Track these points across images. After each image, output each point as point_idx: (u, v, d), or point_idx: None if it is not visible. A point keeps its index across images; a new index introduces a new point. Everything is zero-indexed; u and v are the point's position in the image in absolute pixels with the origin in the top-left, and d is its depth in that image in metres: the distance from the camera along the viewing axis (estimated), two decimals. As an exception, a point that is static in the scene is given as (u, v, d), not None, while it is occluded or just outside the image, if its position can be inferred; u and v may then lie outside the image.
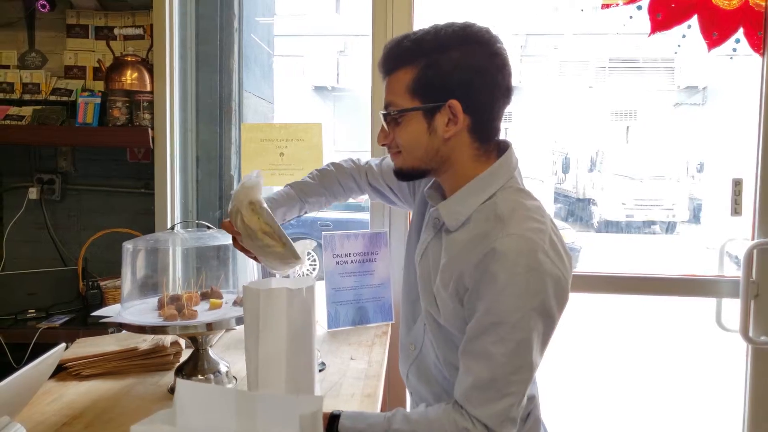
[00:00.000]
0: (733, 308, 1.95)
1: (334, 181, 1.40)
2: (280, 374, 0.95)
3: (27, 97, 2.02)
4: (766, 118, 1.78)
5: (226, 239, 1.23)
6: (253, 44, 2.36)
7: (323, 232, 1.68)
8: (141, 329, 1.13)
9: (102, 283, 2.02)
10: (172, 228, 1.24)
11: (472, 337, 0.95)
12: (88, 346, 1.41)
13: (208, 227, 1.26)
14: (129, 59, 1.89)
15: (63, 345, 0.94)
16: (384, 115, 1.04)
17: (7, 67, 2.09)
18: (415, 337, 1.17)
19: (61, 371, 1.30)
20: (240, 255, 1.29)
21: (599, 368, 4.21)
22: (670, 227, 9.57)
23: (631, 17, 1.74)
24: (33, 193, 2.14)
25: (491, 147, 1.06)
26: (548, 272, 0.93)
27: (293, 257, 1.12)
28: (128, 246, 1.19)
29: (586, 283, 1.88)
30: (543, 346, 0.98)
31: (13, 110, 1.96)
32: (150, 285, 1.23)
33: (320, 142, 1.92)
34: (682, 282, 1.95)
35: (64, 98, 2.01)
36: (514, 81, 1.09)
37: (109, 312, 1.18)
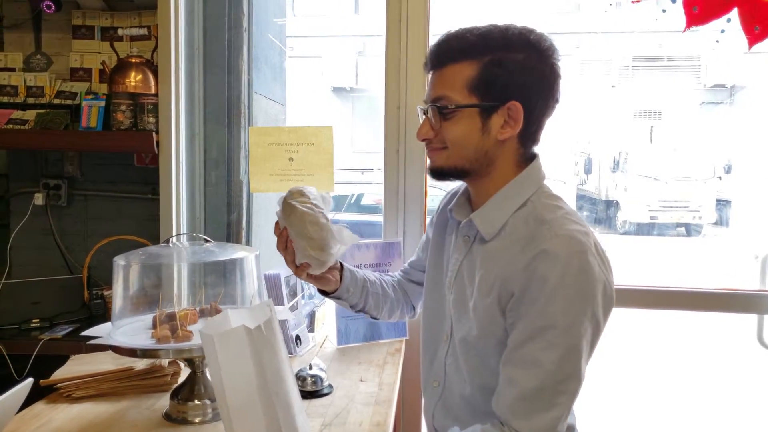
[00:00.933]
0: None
1: (373, 274, 1.33)
2: (259, 424, 0.85)
3: (31, 100, 1.96)
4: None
5: (225, 254, 1.15)
6: (264, 45, 2.27)
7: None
8: (132, 352, 1.04)
9: (106, 293, 1.95)
10: (167, 241, 1.16)
11: (518, 345, 0.91)
12: (83, 364, 1.34)
13: (206, 240, 1.18)
14: (133, 60, 1.82)
15: (30, 380, 0.86)
16: (437, 108, 0.99)
17: (13, 69, 2.04)
18: (437, 373, 1.10)
19: (53, 392, 1.23)
20: (244, 268, 1.20)
21: (633, 387, 3.99)
22: (696, 229, 9.33)
23: (664, 11, 1.61)
24: (39, 199, 2.08)
25: (528, 155, 1.04)
26: (597, 276, 0.90)
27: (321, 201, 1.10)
28: (120, 261, 1.10)
29: (617, 297, 1.75)
30: (589, 357, 0.92)
31: (17, 114, 1.90)
32: (144, 302, 1.15)
33: (331, 146, 1.82)
34: (721, 297, 1.82)
35: (69, 101, 1.94)
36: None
37: (99, 332, 1.10)
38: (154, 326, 1.14)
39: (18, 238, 2.11)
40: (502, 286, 0.94)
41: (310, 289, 1.67)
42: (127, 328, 1.13)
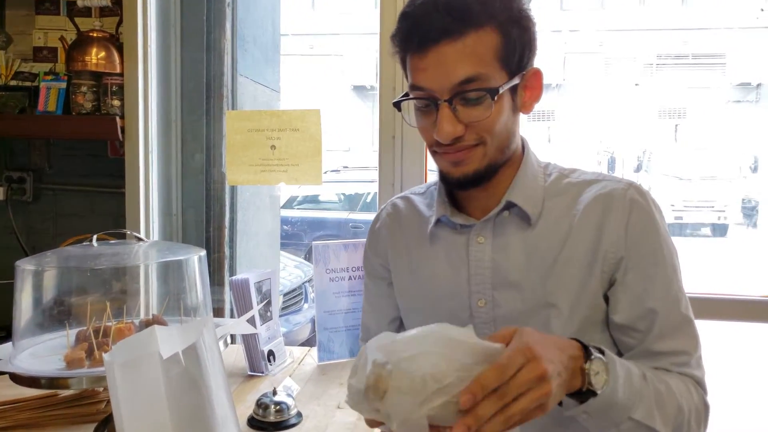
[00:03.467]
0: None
1: None
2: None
3: (-14, 82, 1.77)
4: None
5: (158, 256, 0.92)
6: (252, 23, 2.05)
7: (314, 242, 1.36)
8: (33, 382, 0.82)
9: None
10: (90, 240, 0.94)
11: (668, 313, 0.82)
12: (8, 387, 1.12)
13: (139, 239, 0.96)
14: (94, 35, 1.61)
15: None
16: (468, 94, 0.76)
17: (-28, 50, 1.84)
18: None
19: (-37, 421, 1.01)
20: (189, 272, 0.98)
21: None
22: (722, 230, 9.00)
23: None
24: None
25: None
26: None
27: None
28: (25, 266, 0.89)
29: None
30: None
31: (-31, 98, 1.71)
32: (63, 316, 0.93)
33: (319, 132, 1.60)
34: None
35: (28, 83, 1.74)
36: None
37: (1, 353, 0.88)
38: (77, 344, 0.92)
39: (-21, 237, 1.92)
40: (605, 258, 0.82)
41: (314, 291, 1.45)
42: (40, 348, 0.92)
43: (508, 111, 0.80)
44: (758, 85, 11.47)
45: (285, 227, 5.44)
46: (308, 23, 11.40)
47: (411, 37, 0.78)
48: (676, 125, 12.32)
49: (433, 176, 1.56)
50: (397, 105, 0.84)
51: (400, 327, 1.00)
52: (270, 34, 2.22)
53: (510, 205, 0.85)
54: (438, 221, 0.89)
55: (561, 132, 11.64)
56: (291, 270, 3.17)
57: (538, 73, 0.83)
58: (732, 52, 11.36)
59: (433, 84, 0.77)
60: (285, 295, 2.92)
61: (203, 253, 0.96)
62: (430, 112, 0.80)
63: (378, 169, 1.60)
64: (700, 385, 0.82)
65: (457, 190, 0.87)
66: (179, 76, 1.81)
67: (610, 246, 0.82)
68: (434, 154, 0.84)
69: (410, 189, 1.03)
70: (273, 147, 1.62)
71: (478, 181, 0.82)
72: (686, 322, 0.83)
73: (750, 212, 9.16)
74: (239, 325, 1.03)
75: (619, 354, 0.86)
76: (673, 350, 0.81)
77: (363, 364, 0.60)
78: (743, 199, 9.21)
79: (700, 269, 6.48)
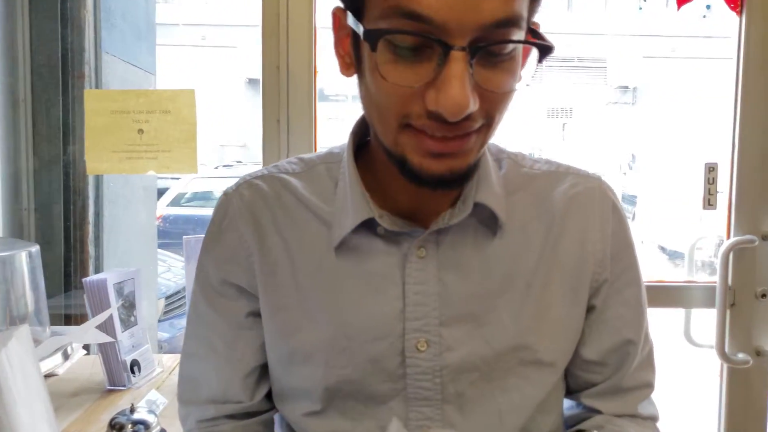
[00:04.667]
0: (703, 319, 1.65)
1: None
2: None
3: None
4: (744, 88, 1.43)
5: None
6: (121, -5, 1.84)
7: (184, 237, 1.22)
8: None
9: None
10: None
11: (642, 342, 0.69)
12: None
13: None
14: None
15: None
16: (512, 44, 0.51)
17: None
18: None
19: None
20: (15, 273, 0.81)
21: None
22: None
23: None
24: None
25: None
26: None
27: None
28: None
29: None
30: None
31: None
32: None
33: (193, 114, 1.44)
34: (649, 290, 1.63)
35: None
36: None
37: None
38: None
39: None
40: (591, 281, 0.65)
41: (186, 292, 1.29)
42: None
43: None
44: (634, 88, 12.41)
45: (171, 225, 5.12)
46: (200, 13, 10.91)
47: None
48: (564, 124, 13.06)
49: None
50: (373, 40, 0.49)
51: (260, 380, 0.68)
52: (143, 8, 2.02)
53: (477, 208, 0.61)
54: (373, 226, 0.61)
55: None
56: (177, 271, 2.96)
57: (537, 28, 0.58)
58: (611, 56, 12.23)
59: (448, 15, 0.47)
60: (169, 297, 2.72)
61: (35, 248, 0.79)
62: (422, 62, 0.49)
63: (262, 157, 1.48)
64: (655, 421, 0.72)
65: (428, 188, 0.56)
66: (28, 48, 1.58)
67: (596, 267, 0.64)
68: (405, 129, 0.53)
69: (272, 165, 0.70)
70: (140, 131, 1.44)
71: (464, 180, 0.57)
72: (653, 349, 0.71)
73: (629, 205, 9.91)
74: (86, 333, 0.87)
75: (569, 390, 0.71)
76: (641, 384, 0.69)
77: None
78: (623, 194, 9.93)
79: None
